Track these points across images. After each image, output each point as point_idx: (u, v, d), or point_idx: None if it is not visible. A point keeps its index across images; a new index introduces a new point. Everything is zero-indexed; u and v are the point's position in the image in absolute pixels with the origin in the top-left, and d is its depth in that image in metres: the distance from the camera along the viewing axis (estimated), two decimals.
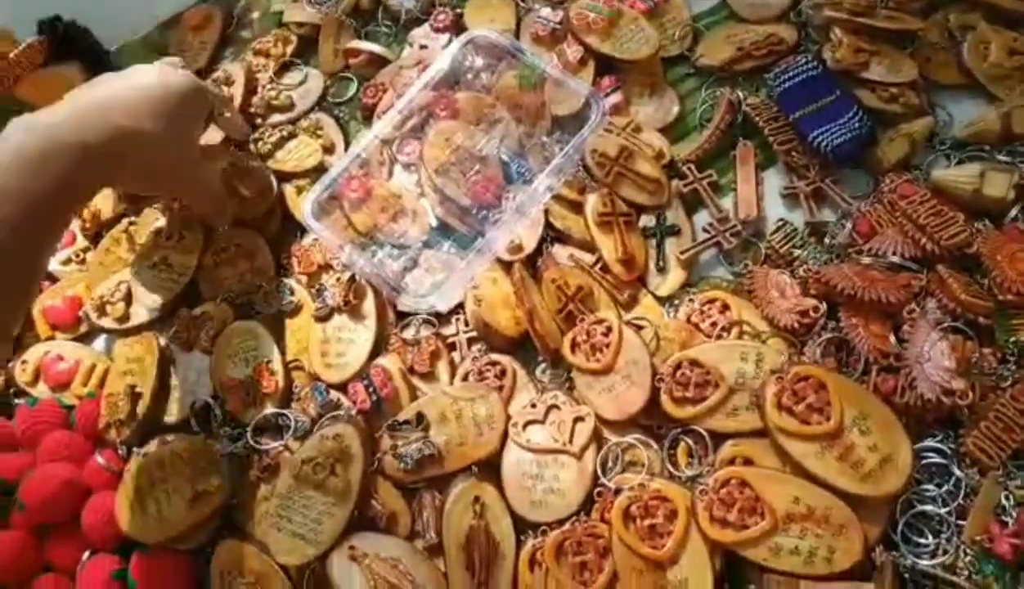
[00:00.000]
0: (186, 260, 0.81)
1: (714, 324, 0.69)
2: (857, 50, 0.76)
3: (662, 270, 0.74)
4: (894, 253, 0.67)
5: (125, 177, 0.71)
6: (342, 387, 0.73)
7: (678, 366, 0.66)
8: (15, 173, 0.60)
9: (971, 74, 0.75)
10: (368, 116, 0.88)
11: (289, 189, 0.85)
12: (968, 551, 0.56)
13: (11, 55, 0.92)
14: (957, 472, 0.58)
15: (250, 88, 0.93)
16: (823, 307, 0.66)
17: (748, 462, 0.62)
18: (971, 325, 0.63)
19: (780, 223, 0.73)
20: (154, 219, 0.85)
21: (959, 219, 0.66)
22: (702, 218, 0.76)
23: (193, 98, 0.72)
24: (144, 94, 0.68)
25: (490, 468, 0.67)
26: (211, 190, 0.79)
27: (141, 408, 0.74)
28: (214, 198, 0.79)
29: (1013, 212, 0.67)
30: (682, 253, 0.74)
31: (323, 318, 0.76)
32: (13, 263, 0.61)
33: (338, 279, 0.77)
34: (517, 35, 0.89)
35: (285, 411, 0.72)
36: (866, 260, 0.67)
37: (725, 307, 0.70)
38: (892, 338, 0.64)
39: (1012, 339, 0.61)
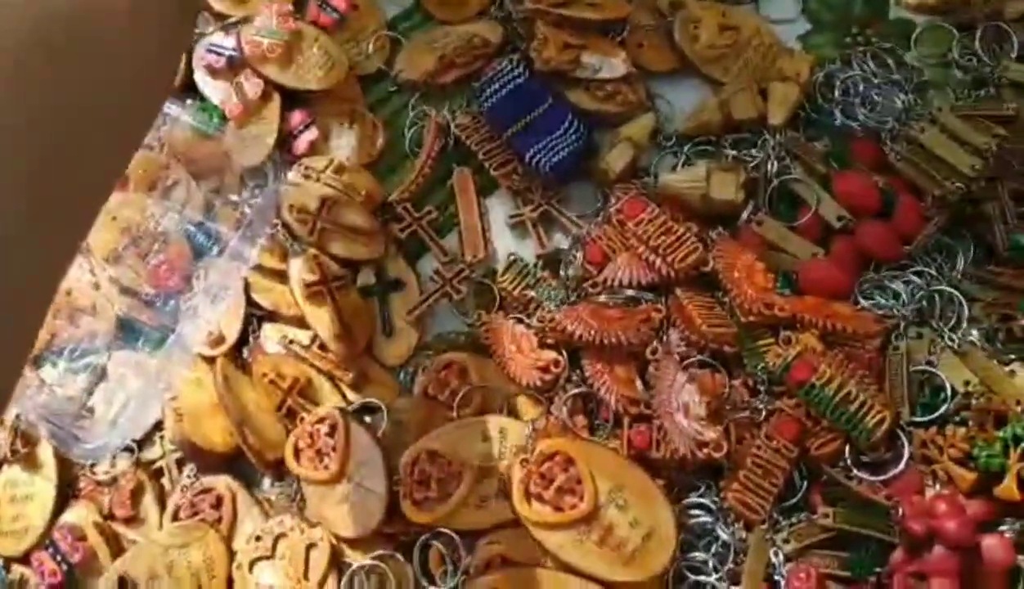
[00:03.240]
0: None
1: (453, 393, 0.60)
2: (565, 46, 0.67)
3: (390, 335, 0.64)
4: (629, 283, 0.60)
5: None
6: (26, 559, 0.60)
7: (415, 461, 0.57)
8: None
9: (686, 57, 0.68)
10: None
11: None
12: None
13: None
14: (723, 534, 0.53)
15: None
16: (563, 359, 0.59)
17: (507, 560, 0.55)
18: (717, 355, 0.57)
19: (511, 259, 0.65)
20: None
21: (691, 234, 0.60)
22: (429, 263, 0.67)
23: None
24: None
25: None
26: None
27: None
28: None
29: (745, 214, 0.62)
30: (408, 312, 0.64)
31: None
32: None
33: (1, 422, 0.62)
34: (189, 68, 0.75)
35: None
36: (602, 297, 0.60)
37: (463, 371, 0.61)
38: (639, 382, 0.58)
39: (760, 365, 0.56)
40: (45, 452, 0.62)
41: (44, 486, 0.61)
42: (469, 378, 0.61)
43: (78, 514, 0.60)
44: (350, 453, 0.58)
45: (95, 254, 0.67)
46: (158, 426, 0.63)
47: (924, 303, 0.57)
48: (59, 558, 0.58)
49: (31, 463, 0.62)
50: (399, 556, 0.57)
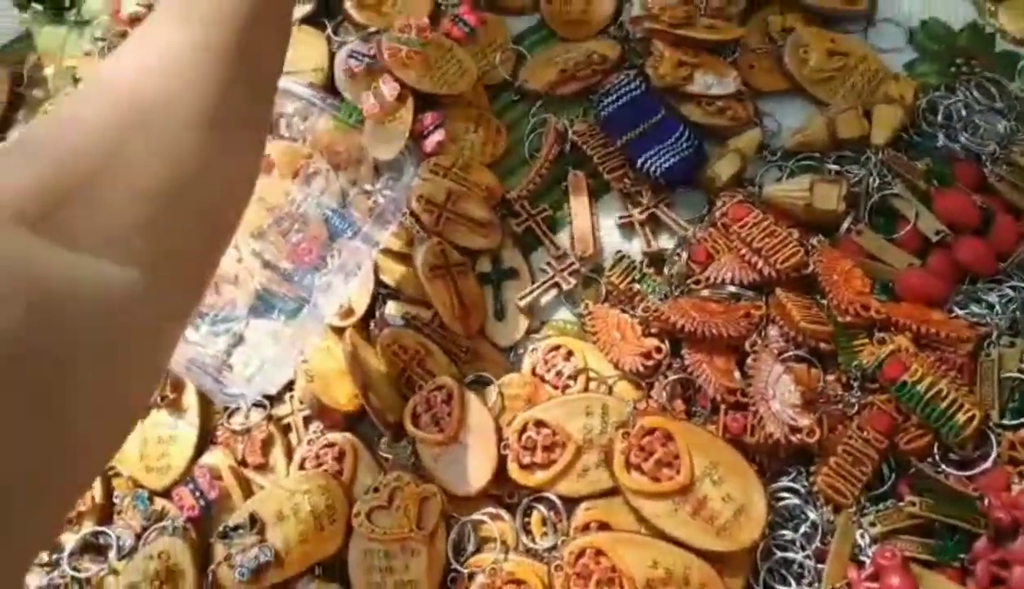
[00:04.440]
0: None
1: (559, 374, 0.65)
2: (680, 64, 0.73)
3: (502, 318, 0.70)
4: (732, 281, 0.64)
5: None
6: (167, 493, 0.66)
7: (523, 429, 0.62)
8: None
9: (795, 79, 0.73)
10: None
11: None
12: None
13: None
14: (811, 515, 0.56)
15: None
16: (665, 347, 0.63)
17: (604, 526, 0.59)
18: (814, 352, 0.61)
19: (618, 256, 0.69)
20: None
21: (793, 238, 0.63)
22: (542, 257, 0.72)
23: None
24: None
25: (337, 566, 0.62)
26: None
27: None
28: None
29: (846, 224, 0.65)
30: (520, 299, 0.69)
31: None
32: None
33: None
34: (331, 73, 0.82)
35: (105, 528, 0.65)
36: (705, 292, 0.64)
37: (569, 354, 0.66)
38: (737, 373, 0.61)
39: (854, 363, 0.59)
40: (190, 399, 0.69)
41: (187, 430, 0.68)
42: (575, 360, 0.66)
43: (215, 457, 0.67)
44: (464, 419, 0.63)
45: (242, 230, 0.74)
46: (289, 386, 0.70)
47: (1018, 314, 0.60)
48: (197, 494, 0.64)
49: (177, 408, 0.69)
50: (504, 515, 0.61)
